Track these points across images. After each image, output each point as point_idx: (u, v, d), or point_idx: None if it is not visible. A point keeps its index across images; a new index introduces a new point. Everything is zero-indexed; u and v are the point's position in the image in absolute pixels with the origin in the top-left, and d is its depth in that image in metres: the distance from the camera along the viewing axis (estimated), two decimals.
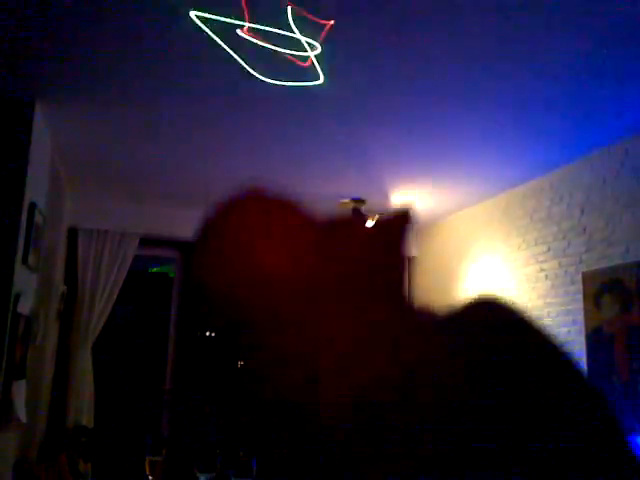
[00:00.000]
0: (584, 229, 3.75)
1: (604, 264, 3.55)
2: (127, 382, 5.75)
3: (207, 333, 6.38)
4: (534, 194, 4.28)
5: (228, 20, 2.32)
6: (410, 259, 6.01)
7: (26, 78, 3.00)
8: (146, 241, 5.17)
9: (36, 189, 3.36)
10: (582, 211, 3.79)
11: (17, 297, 3.04)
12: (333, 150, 3.88)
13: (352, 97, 3.10)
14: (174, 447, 4.61)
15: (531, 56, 2.64)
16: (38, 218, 3.34)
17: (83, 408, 4.70)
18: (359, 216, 4.91)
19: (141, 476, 2.22)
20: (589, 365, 3.56)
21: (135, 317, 6.19)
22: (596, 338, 3.54)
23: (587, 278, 3.67)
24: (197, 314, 5.88)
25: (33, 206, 3.24)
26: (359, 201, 4.89)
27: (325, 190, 4.74)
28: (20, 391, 3.12)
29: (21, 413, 3.09)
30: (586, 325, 3.62)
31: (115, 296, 4.95)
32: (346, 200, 4.89)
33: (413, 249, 5.99)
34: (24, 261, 3.16)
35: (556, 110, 3.19)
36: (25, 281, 3.23)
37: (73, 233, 4.99)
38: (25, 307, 3.19)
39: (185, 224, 5.24)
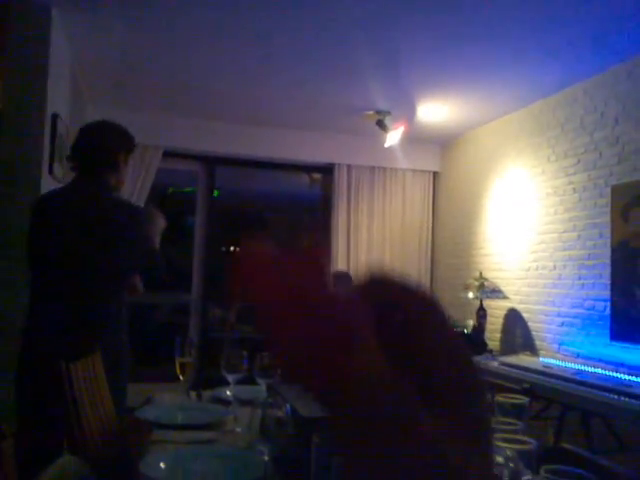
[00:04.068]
0: (617, 139, 3.62)
1: (636, 176, 3.46)
2: (156, 291, 5.93)
3: (231, 248, 6.48)
4: (567, 103, 4.11)
5: None
6: (434, 174, 5.92)
7: None
8: (169, 154, 5.15)
9: (58, 100, 3.34)
10: (616, 120, 3.64)
11: None
12: (358, 58, 3.74)
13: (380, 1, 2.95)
14: (202, 349, 4.80)
15: None
16: (61, 129, 3.34)
17: None
18: (383, 128, 4.80)
19: (172, 376, 2.31)
20: (612, 278, 3.54)
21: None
22: (621, 252, 3.51)
23: (617, 191, 3.58)
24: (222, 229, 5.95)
25: (56, 117, 3.23)
26: (384, 113, 4.76)
27: (349, 101, 4.62)
28: None
29: None
30: (612, 238, 3.57)
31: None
32: (370, 112, 4.77)
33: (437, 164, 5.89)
34: (50, 171, 3.18)
35: (592, 13, 3.00)
36: None
37: None
38: None
39: (209, 137, 5.23)
